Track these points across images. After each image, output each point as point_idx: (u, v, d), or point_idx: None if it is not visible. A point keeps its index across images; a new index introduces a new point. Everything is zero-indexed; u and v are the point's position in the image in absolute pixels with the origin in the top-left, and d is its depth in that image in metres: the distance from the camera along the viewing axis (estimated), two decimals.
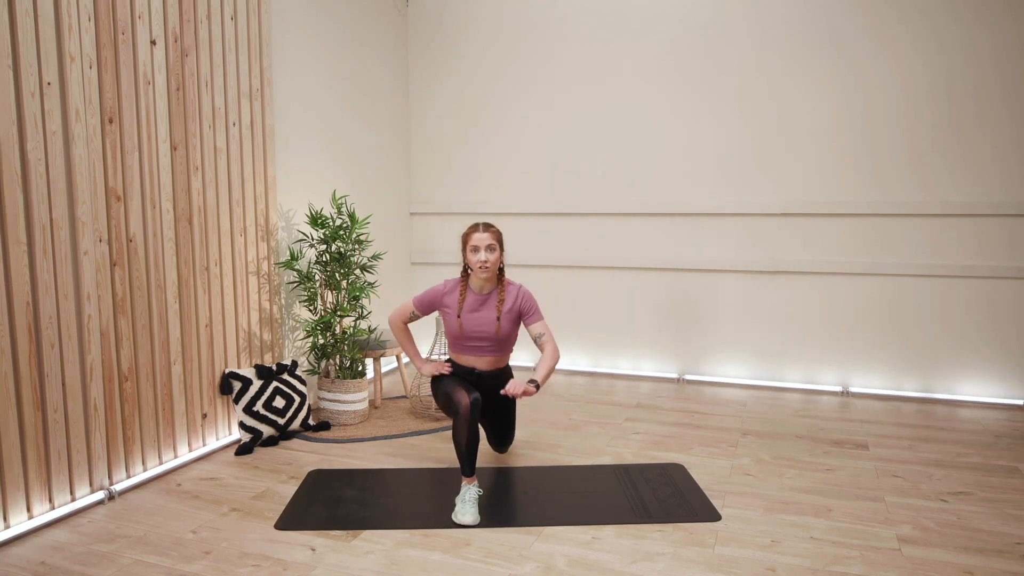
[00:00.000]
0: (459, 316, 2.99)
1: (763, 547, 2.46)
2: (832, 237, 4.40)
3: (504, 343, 3.05)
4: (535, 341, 3.03)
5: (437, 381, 3.06)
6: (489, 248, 2.90)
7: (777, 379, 4.59)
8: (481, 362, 3.05)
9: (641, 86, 4.67)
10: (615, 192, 4.79)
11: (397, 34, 5.04)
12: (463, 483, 2.75)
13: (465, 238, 2.96)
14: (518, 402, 4.17)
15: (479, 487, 2.78)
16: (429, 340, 5.23)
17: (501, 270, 3.02)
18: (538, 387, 2.87)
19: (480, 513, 2.69)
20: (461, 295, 3.00)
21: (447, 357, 3.18)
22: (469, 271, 2.99)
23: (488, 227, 2.94)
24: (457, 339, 3.04)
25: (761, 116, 4.45)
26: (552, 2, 4.81)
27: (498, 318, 2.97)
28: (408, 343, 3.17)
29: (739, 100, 4.48)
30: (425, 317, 3.84)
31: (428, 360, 3.14)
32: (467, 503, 2.66)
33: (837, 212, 4.35)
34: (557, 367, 5.03)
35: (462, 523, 2.61)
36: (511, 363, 3.44)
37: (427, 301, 3.09)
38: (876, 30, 4.20)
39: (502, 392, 2.87)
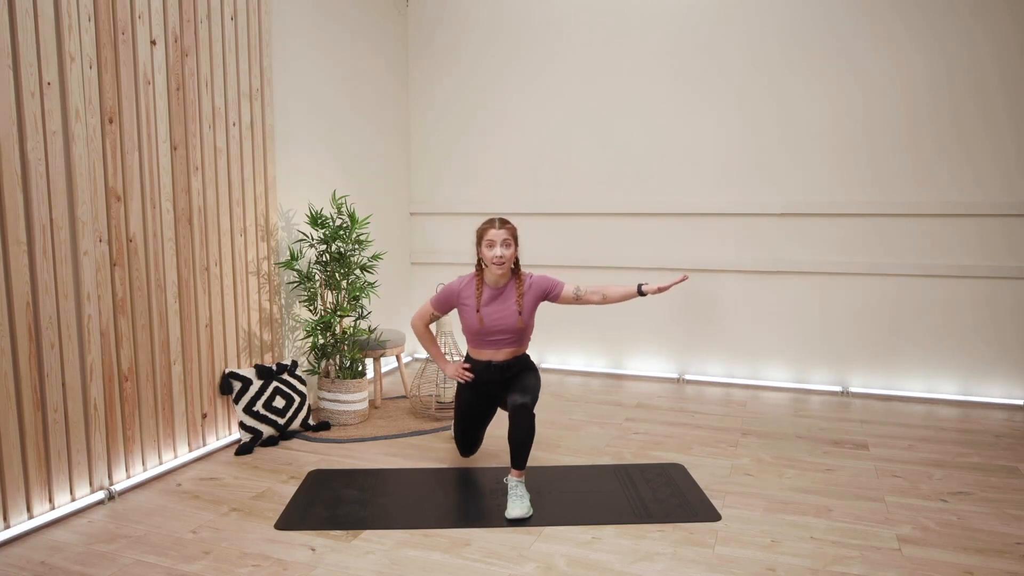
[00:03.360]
0: (478, 310, 2.95)
1: (763, 547, 2.46)
2: (832, 237, 4.40)
3: (524, 334, 3.02)
4: (580, 299, 3.02)
5: (458, 396, 3.12)
6: (505, 243, 2.88)
7: (777, 379, 4.59)
8: (499, 354, 3.01)
9: (641, 86, 4.67)
10: (615, 192, 4.79)
11: (397, 34, 5.04)
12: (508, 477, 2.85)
13: (481, 233, 2.93)
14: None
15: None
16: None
17: (517, 264, 3.00)
18: (642, 293, 2.96)
19: (481, 513, 2.69)
20: (478, 290, 2.97)
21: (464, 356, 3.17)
22: (484, 266, 2.96)
23: (504, 223, 2.92)
24: (477, 334, 2.99)
25: (761, 116, 4.45)
26: (552, 2, 4.81)
27: (520, 312, 2.96)
28: (432, 346, 3.18)
29: (739, 100, 4.48)
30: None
31: (450, 362, 3.16)
32: (513, 499, 2.74)
33: (837, 212, 4.35)
34: (555, 360, 5.03)
35: (513, 517, 2.67)
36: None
37: (444, 299, 3.07)
38: (876, 30, 4.20)
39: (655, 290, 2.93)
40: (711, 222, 4.61)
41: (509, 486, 2.77)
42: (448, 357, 4.05)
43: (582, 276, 4.91)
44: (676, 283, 2.96)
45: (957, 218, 4.17)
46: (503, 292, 2.98)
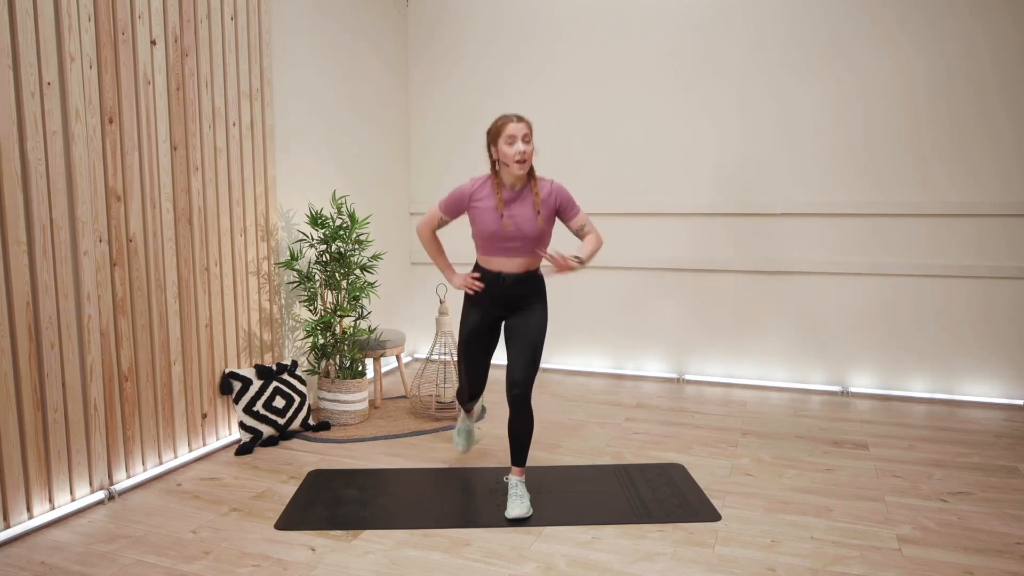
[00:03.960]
0: (502, 214, 2.71)
1: (763, 547, 2.46)
2: (832, 237, 4.40)
3: (540, 242, 2.79)
4: (578, 233, 2.86)
5: (464, 318, 2.87)
6: (525, 139, 2.66)
7: (777, 379, 4.59)
8: (511, 264, 2.77)
9: (641, 86, 4.67)
10: (614, 192, 4.79)
11: (397, 34, 5.04)
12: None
13: (498, 129, 2.68)
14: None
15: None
16: (429, 340, 5.23)
17: (532, 167, 2.78)
18: (582, 262, 2.73)
19: (481, 513, 2.69)
20: (497, 191, 2.73)
21: (473, 268, 2.92)
22: (499, 167, 2.75)
23: (521, 118, 2.70)
24: (492, 239, 2.74)
25: (761, 116, 4.45)
26: (552, 2, 4.81)
27: (538, 213, 2.72)
28: (438, 254, 2.95)
29: (739, 100, 4.48)
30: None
31: (457, 273, 2.93)
32: (460, 432, 2.80)
33: (837, 212, 4.35)
34: (554, 360, 5.03)
35: (457, 444, 2.74)
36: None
37: (454, 202, 2.81)
38: (876, 30, 4.20)
39: (550, 260, 2.70)
40: (711, 222, 4.61)
41: (509, 485, 2.77)
42: (445, 357, 4.06)
43: (582, 276, 4.92)
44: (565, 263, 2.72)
45: (956, 218, 4.17)
46: (520, 195, 2.75)
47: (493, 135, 2.72)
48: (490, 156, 2.76)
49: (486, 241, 2.77)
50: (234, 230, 3.51)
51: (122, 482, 2.93)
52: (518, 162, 2.65)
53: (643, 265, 4.76)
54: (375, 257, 4.00)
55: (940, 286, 4.24)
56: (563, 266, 2.65)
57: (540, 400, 4.29)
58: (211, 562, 2.36)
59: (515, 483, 2.77)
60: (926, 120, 4.16)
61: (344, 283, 3.87)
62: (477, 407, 3.20)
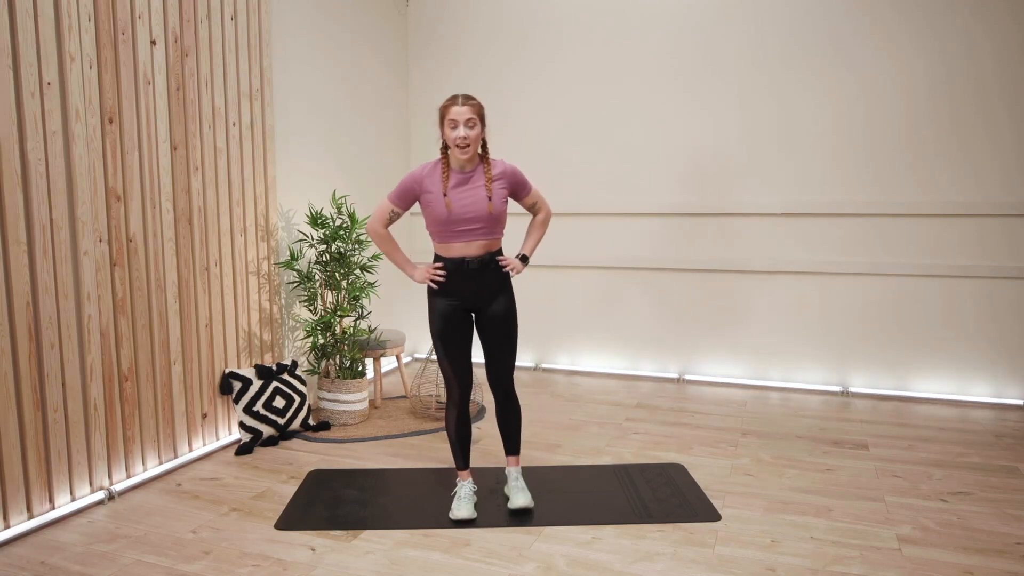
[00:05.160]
0: (445, 195, 2.64)
1: (763, 547, 2.46)
2: (832, 237, 4.39)
3: (496, 223, 2.70)
4: (530, 210, 2.86)
5: (432, 312, 2.75)
6: (468, 123, 2.60)
7: (777, 379, 4.59)
8: (471, 248, 2.67)
9: (641, 86, 4.67)
10: (614, 192, 4.79)
11: (397, 34, 5.04)
12: (458, 479, 2.76)
13: (443, 112, 2.65)
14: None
15: (474, 484, 2.78)
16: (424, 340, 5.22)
17: (484, 147, 2.73)
18: (525, 260, 2.78)
19: (480, 513, 2.69)
20: (444, 175, 2.67)
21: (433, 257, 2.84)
22: (448, 149, 2.70)
23: (468, 99, 2.63)
24: (445, 224, 2.65)
25: (761, 116, 4.45)
26: (552, 2, 4.81)
27: (489, 197, 2.65)
28: (393, 250, 2.80)
29: (739, 100, 4.48)
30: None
31: (417, 265, 2.80)
32: (462, 499, 2.67)
33: (837, 212, 4.35)
34: (555, 361, 5.03)
35: (458, 518, 2.61)
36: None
37: (404, 190, 2.72)
38: (876, 30, 4.20)
39: (501, 262, 2.71)
40: (711, 222, 4.61)
41: (510, 477, 2.77)
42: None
43: (582, 276, 4.92)
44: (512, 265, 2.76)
45: (957, 218, 4.17)
46: (471, 177, 2.68)
47: (440, 116, 2.67)
48: (440, 136, 2.71)
49: (442, 227, 2.67)
50: (234, 230, 3.51)
51: (122, 482, 2.93)
52: (459, 147, 2.61)
53: (643, 265, 4.76)
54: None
55: (940, 286, 4.24)
56: (514, 267, 2.73)
57: (540, 400, 4.29)
58: (211, 562, 2.36)
59: (515, 475, 2.77)
60: (926, 120, 4.16)
61: (344, 283, 3.87)
62: (474, 409, 3.19)
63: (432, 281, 2.70)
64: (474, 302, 2.73)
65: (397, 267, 2.84)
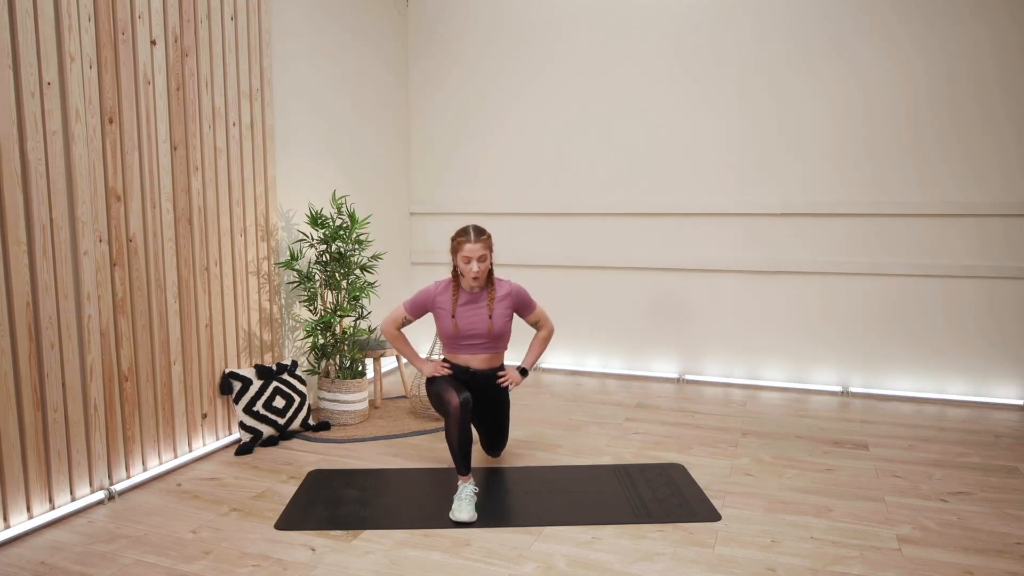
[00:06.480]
0: (453, 316, 3.01)
1: (763, 547, 2.46)
2: (833, 237, 4.39)
3: (498, 340, 3.09)
4: (533, 326, 3.22)
5: (430, 382, 3.08)
6: (480, 259, 2.93)
7: (777, 379, 4.59)
8: (475, 360, 3.07)
9: (641, 86, 4.67)
10: (615, 192, 4.79)
11: (397, 34, 5.04)
12: (459, 481, 2.77)
13: (456, 246, 2.96)
14: (514, 400, 4.20)
15: (475, 486, 2.79)
16: (428, 340, 5.23)
17: (490, 273, 3.06)
18: (525, 373, 3.14)
19: (480, 513, 2.69)
20: (454, 295, 3.04)
21: (443, 357, 3.18)
22: (460, 275, 3.03)
23: (480, 235, 2.95)
24: (452, 338, 3.06)
25: (762, 115, 4.45)
26: (552, 2, 4.81)
27: (490, 316, 3.02)
28: (405, 347, 3.17)
29: (739, 100, 4.48)
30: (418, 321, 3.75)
31: (428, 360, 3.17)
32: (463, 500, 2.68)
33: (837, 212, 4.35)
34: (555, 361, 5.03)
35: (458, 520, 2.62)
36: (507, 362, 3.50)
37: (419, 304, 3.10)
38: (877, 29, 4.20)
39: (499, 382, 3.08)
40: (712, 222, 4.61)
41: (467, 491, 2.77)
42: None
43: (582, 276, 4.92)
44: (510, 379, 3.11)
45: (958, 218, 4.17)
46: (479, 297, 3.05)
47: (453, 249, 2.99)
48: (453, 261, 3.02)
49: (450, 340, 3.07)
50: (234, 230, 3.51)
51: (122, 482, 2.93)
52: (473, 279, 2.96)
53: (644, 265, 4.76)
54: (375, 257, 4.00)
55: (941, 286, 4.24)
56: (512, 381, 3.09)
57: (540, 400, 4.29)
58: (211, 562, 2.36)
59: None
60: (927, 119, 4.16)
61: (344, 283, 3.87)
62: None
63: (439, 374, 3.07)
64: (472, 392, 3.05)
65: (407, 360, 3.19)
